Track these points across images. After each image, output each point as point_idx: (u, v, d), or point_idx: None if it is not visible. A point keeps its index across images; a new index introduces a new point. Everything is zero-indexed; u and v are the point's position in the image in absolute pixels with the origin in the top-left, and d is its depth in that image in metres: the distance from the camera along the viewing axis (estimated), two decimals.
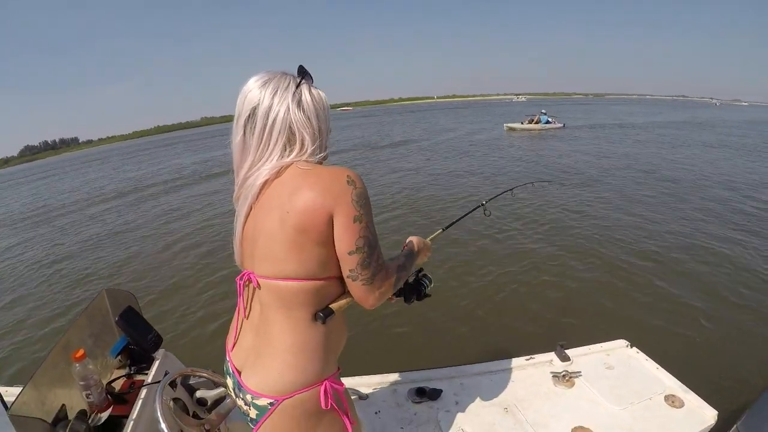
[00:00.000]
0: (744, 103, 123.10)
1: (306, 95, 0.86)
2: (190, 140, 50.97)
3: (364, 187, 0.84)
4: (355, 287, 0.86)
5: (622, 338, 1.81)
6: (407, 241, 1.12)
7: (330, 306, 0.87)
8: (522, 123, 21.62)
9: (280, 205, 0.82)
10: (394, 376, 1.61)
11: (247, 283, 0.92)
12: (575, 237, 5.02)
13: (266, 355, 0.87)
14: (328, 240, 0.82)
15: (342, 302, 0.89)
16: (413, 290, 1.13)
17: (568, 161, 11.03)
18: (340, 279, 0.87)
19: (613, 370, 1.66)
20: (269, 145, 0.85)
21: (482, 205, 1.69)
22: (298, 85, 0.86)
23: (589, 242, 4.83)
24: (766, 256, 4.36)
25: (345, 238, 0.82)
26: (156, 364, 1.48)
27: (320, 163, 0.89)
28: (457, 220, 1.58)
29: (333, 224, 0.81)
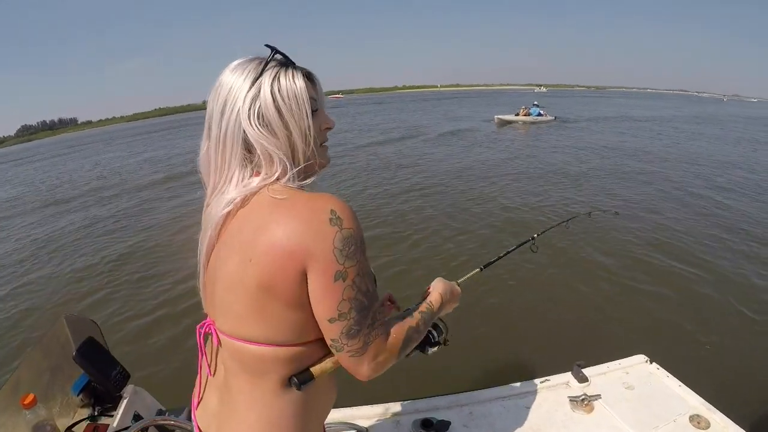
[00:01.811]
0: (753, 100, 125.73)
1: (266, 88, 0.62)
2: (191, 124, 47.17)
3: (355, 227, 0.62)
4: (343, 359, 0.66)
5: (641, 353, 1.68)
6: (430, 287, 0.89)
7: (310, 369, 0.68)
8: (516, 115, 20.48)
9: (242, 247, 0.62)
10: (396, 406, 1.45)
11: (208, 334, 0.73)
12: (582, 246, 4.75)
13: (228, 431, 0.69)
14: (301, 302, 0.62)
15: (326, 365, 0.69)
16: (420, 343, 0.88)
17: (563, 158, 10.56)
18: (324, 340, 0.67)
19: (633, 391, 1.53)
20: (225, 159, 0.65)
21: (532, 239, 1.45)
22: (256, 78, 0.63)
23: (596, 251, 4.60)
24: None
25: (323, 302, 0.61)
26: (123, 404, 1.28)
27: (303, 186, 0.67)
28: (501, 257, 1.28)
29: (307, 280, 0.61)
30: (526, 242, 1.43)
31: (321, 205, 0.61)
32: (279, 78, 0.64)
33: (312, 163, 0.68)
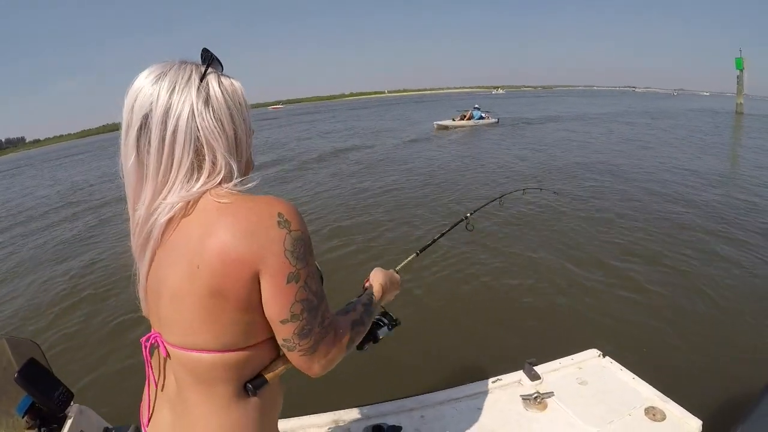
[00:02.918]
0: (705, 94, 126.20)
1: (215, 88, 0.64)
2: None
3: (302, 228, 0.63)
4: (294, 357, 0.67)
5: (593, 348, 1.68)
6: (368, 278, 0.90)
7: (263, 374, 0.68)
8: (453, 120, 20.10)
9: (188, 254, 0.61)
10: (345, 414, 1.44)
11: (154, 346, 0.71)
12: (526, 242, 4.73)
13: None
14: (252, 305, 0.62)
15: (278, 369, 0.70)
16: (368, 335, 0.92)
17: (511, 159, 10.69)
18: (274, 340, 0.68)
19: (587, 386, 1.53)
20: (171, 164, 0.62)
21: (465, 218, 1.47)
22: (203, 76, 0.64)
23: (541, 246, 4.56)
24: (747, 250, 4.30)
25: (275, 304, 0.62)
26: (68, 424, 1.28)
27: (245, 190, 0.66)
28: (436, 239, 1.31)
29: (259, 283, 0.61)
30: (460, 222, 1.48)
31: (268, 208, 0.61)
32: (221, 79, 0.66)
33: (248, 164, 0.71)
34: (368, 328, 0.79)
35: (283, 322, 0.63)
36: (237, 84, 0.68)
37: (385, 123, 26.37)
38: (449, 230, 1.38)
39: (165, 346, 0.68)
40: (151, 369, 0.74)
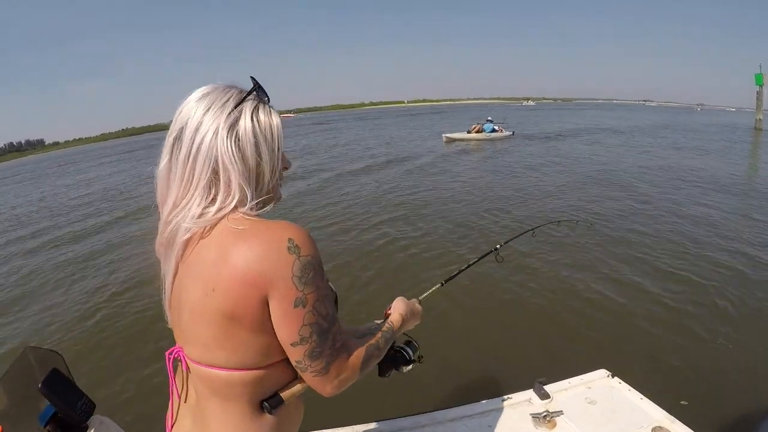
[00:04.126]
0: (732, 109, 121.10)
1: (245, 119, 0.66)
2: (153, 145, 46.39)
3: (312, 253, 0.65)
4: (307, 378, 0.70)
5: (602, 368, 1.71)
6: (390, 307, 0.93)
7: (280, 394, 0.71)
8: (467, 132, 19.27)
9: (204, 276, 0.65)
10: (361, 428, 1.46)
11: (177, 359, 0.75)
12: (542, 263, 4.65)
13: None
14: (265, 327, 0.65)
15: (295, 389, 0.73)
16: (390, 361, 0.94)
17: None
18: (289, 360, 0.70)
19: (596, 405, 1.55)
20: (192, 178, 0.66)
21: (495, 249, 1.45)
22: (238, 103, 0.67)
23: (557, 264, 4.54)
24: (757, 270, 4.27)
25: (285, 327, 0.65)
26: None
27: (261, 215, 0.69)
28: (463, 270, 1.27)
29: (269, 307, 0.65)
30: (489, 252, 1.47)
31: (279, 234, 0.64)
32: (259, 109, 0.69)
33: (271, 195, 0.73)
34: (383, 354, 0.81)
35: (293, 344, 0.66)
36: (275, 119, 0.70)
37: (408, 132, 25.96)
38: (477, 261, 1.36)
39: (186, 361, 0.72)
40: (174, 381, 0.78)
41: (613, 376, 1.68)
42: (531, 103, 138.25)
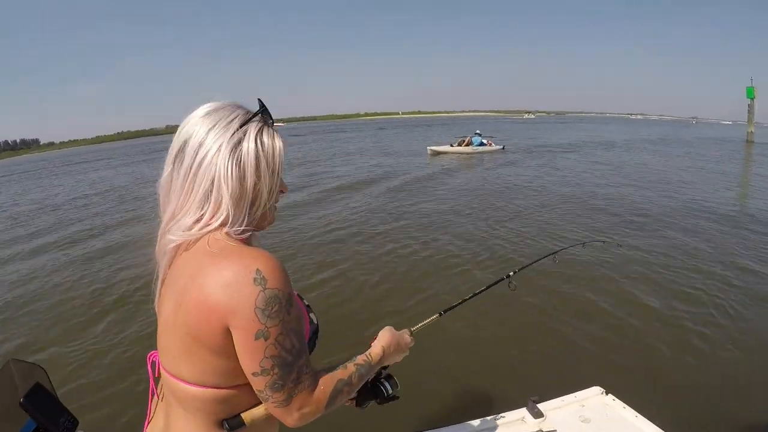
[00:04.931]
0: (728, 123, 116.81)
1: (249, 140, 0.67)
2: (150, 150, 42.84)
3: (280, 286, 0.63)
4: (269, 407, 0.68)
5: (596, 385, 1.69)
6: (376, 338, 0.89)
7: (241, 415, 0.70)
8: (452, 145, 18.35)
9: (177, 291, 0.66)
10: None
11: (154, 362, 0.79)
12: (531, 279, 4.33)
13: None
14: (227, 351, 0.64)
15: (257, 412, 0.71)
16: (369, 393, 0.90)
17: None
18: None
19: (589, 424, 1.54)
20: (191, 192, 0.67)
21: (508, 276, 1.40)
22: (243, 123, 0.67)
23: (550, 281, 4.34)
24: (748, 287, 4.24)
25: (246, 358, 0.63)
26: None
27: (247, 239, 0.70)
28: (466, 300, 1.20)
29: (231, 335, 0.63)
30: (500, 280, 1.40)
31: (248, 264, 0.62)
32: (263, 131, 0.69)
33: (264, 216, 0.73)
34: (355, 390, 0.78)
35: (254, 374, 0.64)
36: (278, 142, 0.71)
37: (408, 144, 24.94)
38: (484, 290, 1.28)
39: (159, 367, 0.75)
40: (153, 380, 0.81)
41: (607, 393, 1.66)
42: (532, 116, 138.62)
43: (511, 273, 1.45)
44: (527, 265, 1.54)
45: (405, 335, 0.95)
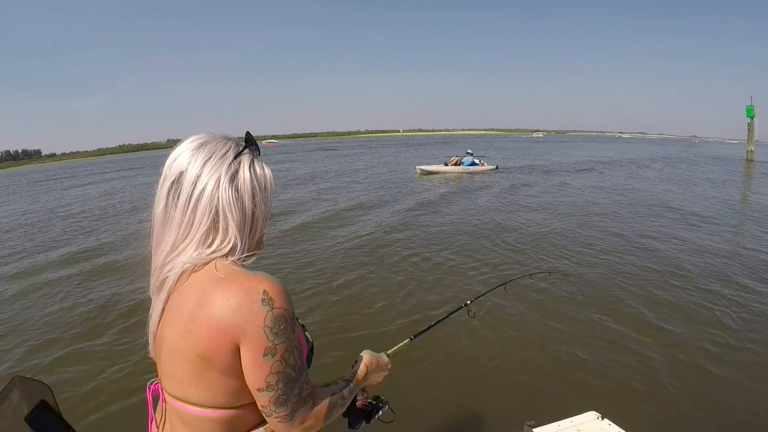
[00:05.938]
0: (734, 141, 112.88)
1: (244, 170, 0.72)
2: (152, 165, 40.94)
3: (285, 306, 0.68)
4: (272, 423, 0.72)
5: (592, 410, 1.70)
6: (357, 360, 0.95)
7: None
8: (444, 165, 17.77)
9: (183, 318, 0.69)
10: None
11: (156, 394, 0.79)
12: (524, 308, 4.25)
13: None
14: (236, 371, 0.68)
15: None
16: (362, 414, 0.97)
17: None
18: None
19: None
20: (192, 224, 0.69)
21: (466, 305, 1.42)
22: (237, 155, 0.72)
23: (538, 313, 4.16)
24: (744, 310, 4.17)
25: (253, 375, 0.67)
26: None
27: (244, 263, 0.73)
28: (432, 326, 1.23)
29: (240, 354, 0.67)
30: (458, 309, 1.44)
31: (255, 286, 0.67)
32: (254, 162, 0.74)
33: (259, 242, 0.78)
34: (347, 404, 0.85)
35: (259, 390, 0.68)
36: (267, 171, 0.76)
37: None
38: (446, 317, 1.33)
39: (163, 395, 0.76)
40: (153, 412, 0.82)
41: (603, 418, 1.67)
42: (540, 135, 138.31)
43: (468, 302, 1.46)
44: (481, 294, 1.55)
45: (383, 356, 1.01)
